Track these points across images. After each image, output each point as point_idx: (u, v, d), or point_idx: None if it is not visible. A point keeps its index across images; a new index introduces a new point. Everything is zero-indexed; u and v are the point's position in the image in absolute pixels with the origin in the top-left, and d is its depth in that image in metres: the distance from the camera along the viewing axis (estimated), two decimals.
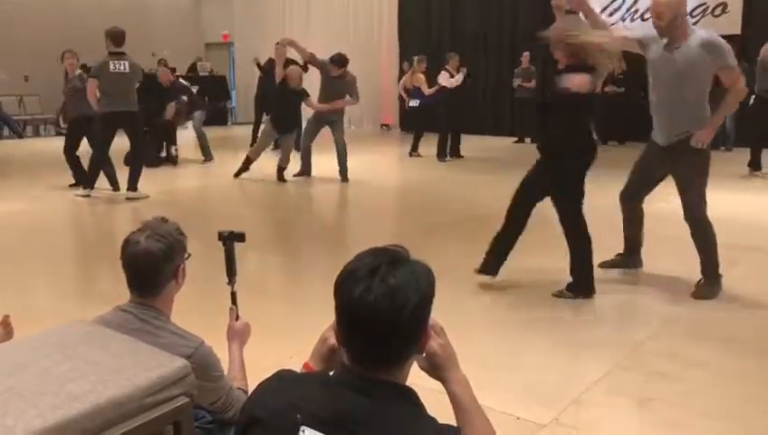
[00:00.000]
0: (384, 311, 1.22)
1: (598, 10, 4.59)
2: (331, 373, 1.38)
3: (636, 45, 4.30)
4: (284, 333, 3.46)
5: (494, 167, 10.38)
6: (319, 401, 1.26)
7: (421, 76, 11.60)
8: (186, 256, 2.04)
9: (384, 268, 1.25)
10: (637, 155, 4.62)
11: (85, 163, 8.05)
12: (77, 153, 8.22)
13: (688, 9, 12.03)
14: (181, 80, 11.25)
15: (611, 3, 13.06)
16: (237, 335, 2.27)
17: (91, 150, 7.96)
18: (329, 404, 1.24)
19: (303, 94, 8.96)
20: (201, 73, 17.52)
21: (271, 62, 11.56)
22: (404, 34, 16.16)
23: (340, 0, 17.02)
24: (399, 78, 14.86)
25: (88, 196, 7.76)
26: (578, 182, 4.21)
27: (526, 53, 13.05)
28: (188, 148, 11.58)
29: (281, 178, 9.08)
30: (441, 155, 10.97)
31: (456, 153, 11.36)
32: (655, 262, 4.85)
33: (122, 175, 7.91)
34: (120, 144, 7.94)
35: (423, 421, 1.26)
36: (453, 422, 1.38)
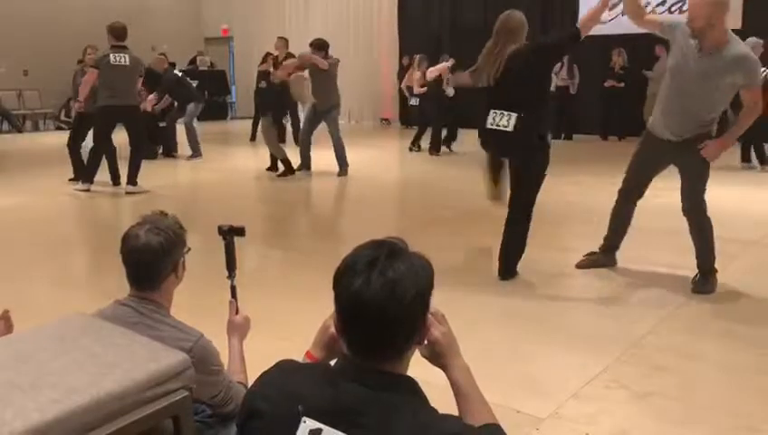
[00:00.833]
0: (383, 303, 1.22)
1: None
2: (332, 363, 1.38)
3: (658, 27, 4.19)
4: (284, 327, 3.46)
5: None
6: (320, 391, 1.26)
7: (417, 74, 11.65)
8: (185, 250, 2.04)
9: (383, 261, 1.26)
10: None
11: (85, 160, 8.05)
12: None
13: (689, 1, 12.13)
14: (176, 72, 11.01)
15: None
16: (237, 329, 2.27)
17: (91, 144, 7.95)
18: (329, 395, 1.25)
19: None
20: (201, 68, 17.45)
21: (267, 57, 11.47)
22: (404, 29, 16.12)
23: None
24: (399, 73, 14.84)
25: (87, 190, 7.75)
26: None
27: None
28: (182, 144, 11.52)
29: (275, 168, 9.12)
30: (434, 149, 11.03)
31: (448, 146, 11.40)
32: (654, 256, 4.85)
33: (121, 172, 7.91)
34: (123, 138, 7.93)
35: (424, 411, 1.26)
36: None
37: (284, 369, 1.37)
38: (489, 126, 4.25)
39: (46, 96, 15.16)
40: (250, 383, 1.38)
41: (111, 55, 7.40)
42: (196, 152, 10.68)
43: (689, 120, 4.06)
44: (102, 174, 7.95)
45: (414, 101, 11.86)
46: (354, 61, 16.13)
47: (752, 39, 7.27)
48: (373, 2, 16.51)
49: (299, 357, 1.55)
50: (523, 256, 4.49)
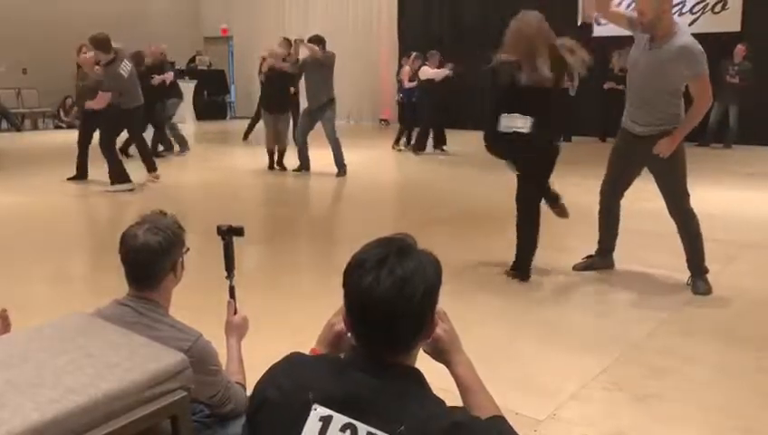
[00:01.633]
0: (392, 301, 1.25)
1: None
2: (342, 356, 1.41)
3: (626, 23, 4.24)
4: (283, 327, 3.45)
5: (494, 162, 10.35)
6: (329, 381, 1.28)
7: (407, 69, 11.74)
8: (184, 249, 2.03)
9: (392, 258, 1.28)
10: None
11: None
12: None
13: (689, 6, 12.14)
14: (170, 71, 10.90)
15: None
16: (235, 329, 2.27)
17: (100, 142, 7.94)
18: (339, 384, 1.27)
19: (290, 77, 9.08)
20: (200, 67, 17.48)
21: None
22: (403, 29, 16.11)
23: None
24: (398, 73, 14.83)
25: (132, 189, 7.73)
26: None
27: None
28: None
29: (279, 164, 9.24)
30: (418, 148, 11.05)
31: (439, 146, 11.40)
32: (651, 259, 4.85)
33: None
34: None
35: (431, 401, 1.29)
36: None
37: (294, 361, 1.39)
38: (503, 130, 4.26)
39: (45, 95, 15.14)
40: (258, 377, 1.38)
41: (119, 71, 7.43)
42: (167, 148, 10.68)
43: (649, 112, 4.12)
44: (93, 174, 7.94)
45: (399, 98, 11.92)
46: (354, 61, 16.12)
47: None
48: (373, 2, 16.50)
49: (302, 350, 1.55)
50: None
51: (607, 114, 12.83)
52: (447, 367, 1.48)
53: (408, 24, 16.02)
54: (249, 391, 1.70)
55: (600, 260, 4.66)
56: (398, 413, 1.23)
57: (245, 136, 12.86)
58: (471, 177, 9.06)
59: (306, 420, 1.25)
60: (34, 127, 15.32)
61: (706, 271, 4.27)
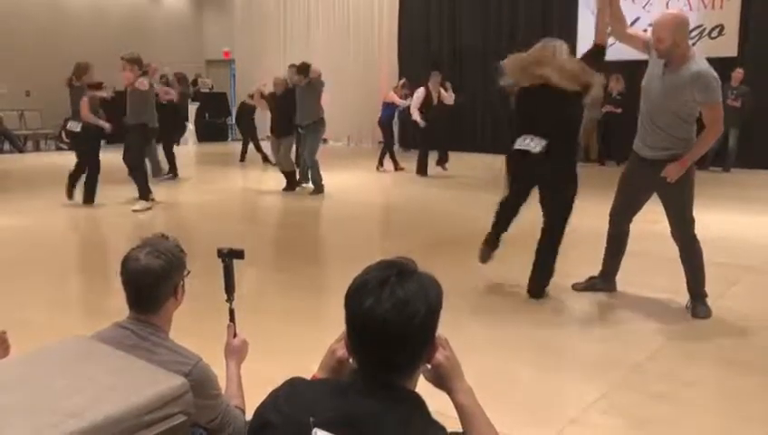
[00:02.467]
0: (393, 322, 1.26)
1: None
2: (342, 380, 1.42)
3: (641, 45, 4.28)
4: (283, 351, 3.45)
5: (495, 184, 10.37)
6: (330, 403, 1.29)
7: (392, 93, 12.26)
8: (185, 272, 2.04)
9: (393, 280, 1.29)
10: None
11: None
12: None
13: None
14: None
15: None
16: (235, 353, 2.26)
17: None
18: (340, 407, 1.27)
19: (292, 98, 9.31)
20: (202, 90, 17.58)
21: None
22: (403, 53, 16.22)
23: (340, 20, 17.13)
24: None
25: (150, 208, 7.90)
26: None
27: None
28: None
29: (299, 184, 9.51)
30: (419, 172, 11.13)
31: (441, 164, 11.46)
32: (653, 282, 4.85)
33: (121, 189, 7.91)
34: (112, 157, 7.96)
35: (433, 427, 1.29)
36: None
37: (296, 384, 1.40)
38: (518, 147, 4.34)
39: (47, 117, 15.21)
40: (258, 401, 1.39)
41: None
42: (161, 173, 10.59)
43: (660, 137, 4.13)
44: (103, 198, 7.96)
45: (381, 114, 12.31)
46: (355, 84, 16.24)
47: None
48: (374, 26, 16.65)
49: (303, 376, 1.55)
50: (522, 279, 4.52)
51: (606, 138, 12.92)
52: (449, 395, 1.47)
53: (408, 48, 16.13)
54: (248, 415, 1.70)
55: (602, 283, 4.66)
56: None
57: (242, 158, 13.07)
58: (475, 199, 9.07)
59: None
60: (37, 148, 15.38)
61: (706, 295, 4.26)
